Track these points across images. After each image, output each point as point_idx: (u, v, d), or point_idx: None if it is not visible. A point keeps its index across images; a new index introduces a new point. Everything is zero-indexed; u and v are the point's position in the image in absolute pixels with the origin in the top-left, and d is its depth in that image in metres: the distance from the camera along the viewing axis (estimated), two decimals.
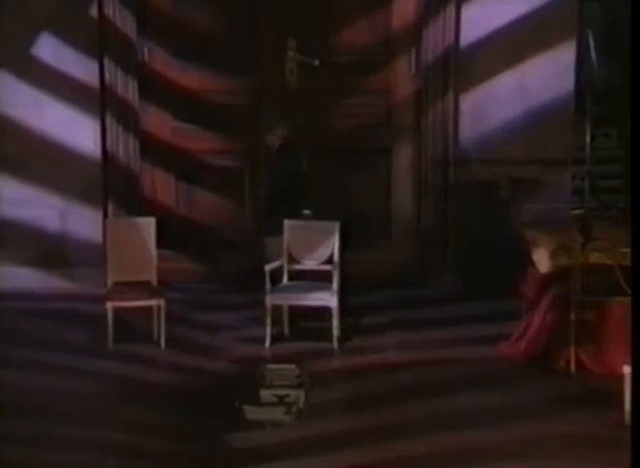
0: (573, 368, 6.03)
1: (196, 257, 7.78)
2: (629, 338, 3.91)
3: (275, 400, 5.49)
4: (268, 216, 6.94)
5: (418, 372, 6.06)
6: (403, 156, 7.92)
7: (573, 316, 6.02)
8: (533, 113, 7.62)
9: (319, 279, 6.64)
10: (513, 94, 7.60)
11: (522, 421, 5.35)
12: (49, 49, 7.53)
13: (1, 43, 7.48)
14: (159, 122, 7.85)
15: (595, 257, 5.98)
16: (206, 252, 7.78)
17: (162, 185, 7.91)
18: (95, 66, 7.58)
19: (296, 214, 6.75)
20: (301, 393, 5.56)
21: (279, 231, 6.71)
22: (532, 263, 6.41)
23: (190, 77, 7.79)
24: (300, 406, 5.47)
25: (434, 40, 7.63)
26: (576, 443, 5.08)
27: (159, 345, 6.47)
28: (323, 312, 6.53)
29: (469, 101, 7.67)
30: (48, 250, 7.69)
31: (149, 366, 6.22)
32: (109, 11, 7.56)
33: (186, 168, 7.85)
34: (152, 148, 7.84)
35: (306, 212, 6.82)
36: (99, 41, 7.55)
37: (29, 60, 7.53)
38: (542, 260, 6.33)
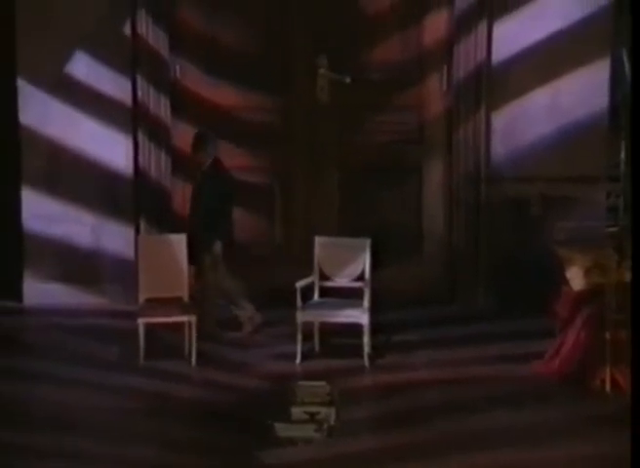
0: (608, 387, 5.96)
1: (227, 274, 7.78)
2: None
3: (306, 417, 5.47)
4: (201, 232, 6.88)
5: (449, 391, 6.01)
6: (434, 173, 7.90)
7: (608, 335, 5.95)
8: (566, 130, 7.57)
9: (350, 296, 6.63)
10: (546, 110, 7.57)
11: (555, 441, 5.29)
12: (83, 67, 7.61)
13: (36, 61, 7.56)
14: (190, 139, 7.87)
15: (630, 276, 5.91)
16: (237, 268, 7.78)
17: None
18: (127, 84, 7.64)
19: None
20: (332, 410, 5.54)
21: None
22: (565, 281, 6.35)
23: (222, 94, 7.83)
24: (332, 423, 5.45)
25: (466, 57, 7.62)
26: (610, 463, 5.01)
27: (190, 361, 6.48)
28: (354, 329, 6.51)
29: (502, 118, 7.65)
30: (80, 266, 7.74)
31: (180, 382, 6.23)
32: (142, 29, 7.63)
33: None
34: (184, 165, 7.87)
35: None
36: (132, 59, 7.62)
37: (64, 78, 7.60)
38: (576, 278, 6.28)
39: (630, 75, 4.06)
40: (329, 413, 5.49)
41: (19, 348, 6.87)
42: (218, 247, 6.82)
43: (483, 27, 7.56)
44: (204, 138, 6.95)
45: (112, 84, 7.62)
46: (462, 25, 7.60)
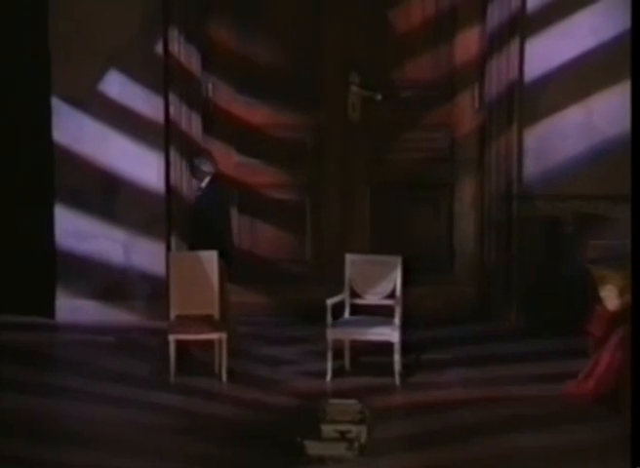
0: None
1: (258, 291, 7.79)
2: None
3: (337, 435, 5.44)
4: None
5: (481, 410, 5.96)
6: (465, 191, 7.87)
7: None
8: (599, 148, 7.52)
9: (381, 313, 6.60)
10: (580, 128, 7.52)
11: (589, 462, 5.21)
12: (116, 85, 7.66)
13: (70, 79, 7.63)
14: (222, 156, 7.88)
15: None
16: (267, 285, 7.79)
17: None
18: (160, 102, 7.69)
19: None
20: (363, 429, 5.50)
21: None
22: (599, 300, 6.28)
23: (254, 112, 7.86)
24: (363, 441, 5.41)
25: (498, 74, 7.60)
26: None
27: (220, 379, 6.47)
28: (385, 347, 6.48)
29: (534, 136, 7.60)
30: (111, 282, 7.77)
31: (210, 399, 6.23)
32: (174, 47, 7.68)
33: (249, 201, 7.89)
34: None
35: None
36: (164, 77, 7.67)
37: (97, 96, 7.67)
38: (611, 298, 6.21)
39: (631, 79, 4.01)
40: (360, 432, 5.46)
41: (50, 364, 6.90)
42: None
43: (515, 45, 7.53)
44: (202, 156, 7.03)
45: (145, 102, 7.67)
46: (494, 43, 7.57)
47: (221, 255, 6.79)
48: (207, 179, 6.98)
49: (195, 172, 7.05)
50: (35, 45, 7.88)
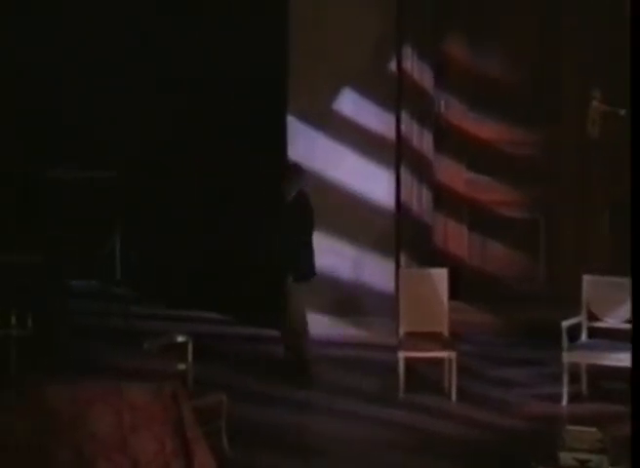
0: None
1: (488, 310, 7.65)
2: None
3: (576, 464, 5.18)
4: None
5: None
6: None
7: None
8: None
9: (620, 338, 6.28)
10: None
11: None
12: (349, 103, 7.77)
13: (305, 98, 7.81)
14: (453, 173, 7.85)
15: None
16: (498, 304, 7.62)
17: (454, 236, 7.87)
18: (392, 119, 7.72)
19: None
20: (604, 459, 5.21)
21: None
22: None
23: (486, 128, 7.75)
24: None
25: None
26: None
27: (450, 397, 6.37)
28: (626, 373, 6.14)
29: None
30: (341, 297, 7.84)
31: (439, 417, 6.15)
32: (408, 65, 7.70)
33: (479, 219, 7.78)
34: (445, 199, 7.85)
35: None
36: (397, 94, 7.70)
37: (330, 114, 7.81)
38: None
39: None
40: (601, 462, 5.18)
41: (282, 377, 7.03)
42: (289, 280, 6.69)
43: None
44: (291, 170, 6.91)
45: (377, 119, 7.72)
46: None
47: (293, 274, 6.67)
48: (293, 195, 6.85)
49: (283, 184, 6.89)
50: (274, 63, 8.13)
